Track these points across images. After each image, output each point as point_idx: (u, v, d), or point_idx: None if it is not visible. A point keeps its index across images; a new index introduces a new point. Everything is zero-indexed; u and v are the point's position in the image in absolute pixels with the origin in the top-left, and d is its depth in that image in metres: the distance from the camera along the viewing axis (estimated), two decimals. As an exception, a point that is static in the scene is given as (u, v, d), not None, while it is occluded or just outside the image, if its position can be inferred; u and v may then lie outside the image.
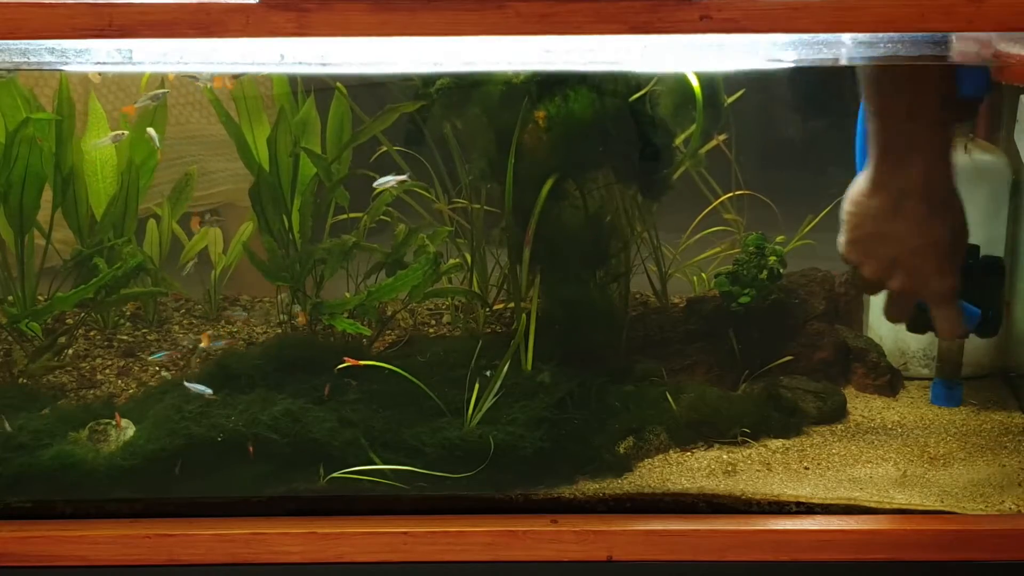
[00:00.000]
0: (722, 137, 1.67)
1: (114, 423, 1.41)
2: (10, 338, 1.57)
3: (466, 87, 1.49)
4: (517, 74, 1.45)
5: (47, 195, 1.59)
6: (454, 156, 1.60)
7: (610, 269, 1.59)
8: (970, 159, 1.59)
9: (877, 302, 1.68)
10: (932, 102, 1.30)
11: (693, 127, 1.58)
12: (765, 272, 1.59)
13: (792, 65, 1.23)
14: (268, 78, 1.60)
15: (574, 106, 1.44)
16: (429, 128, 1.57)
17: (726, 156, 1.70)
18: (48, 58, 1.22)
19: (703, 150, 1.64)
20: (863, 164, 1.37)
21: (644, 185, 1.58)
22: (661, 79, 1.51)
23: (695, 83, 1.51)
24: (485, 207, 1.59)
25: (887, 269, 1.35)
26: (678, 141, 1.61)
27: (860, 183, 1.36)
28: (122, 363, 1.62)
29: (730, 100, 1.62)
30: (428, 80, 1.50)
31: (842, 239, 1.38)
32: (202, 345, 1.63)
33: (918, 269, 1.35)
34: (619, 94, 1.47)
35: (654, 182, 1.57)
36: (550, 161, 1.47)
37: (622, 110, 1.48)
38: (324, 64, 1.29)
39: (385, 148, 1.62)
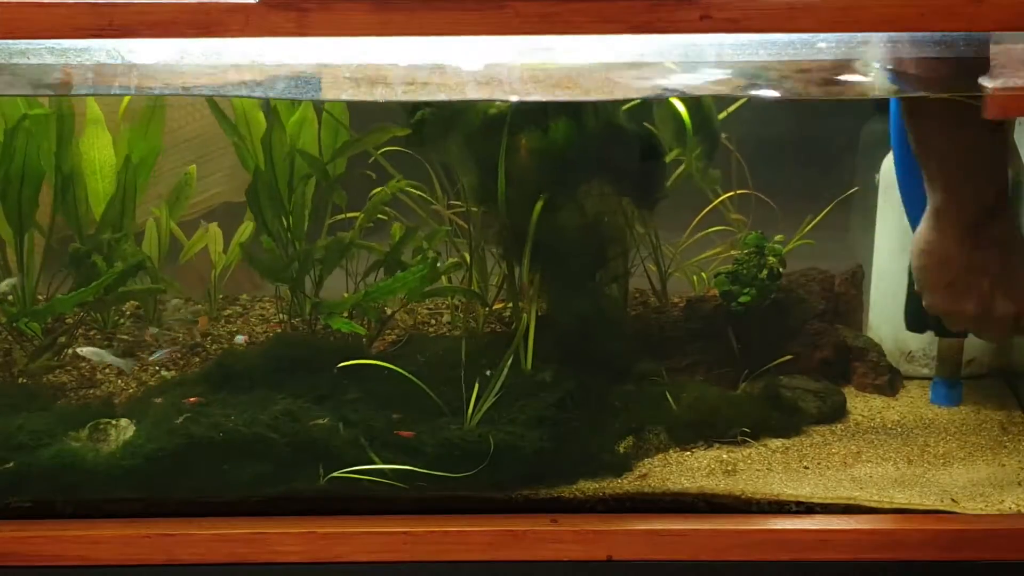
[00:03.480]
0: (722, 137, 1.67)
1: (114, 423, 1.41)
2: (10, 337, 1.57)
3: (446, 118, 1.48)
4: (496, 104, 1.45)
5: (48, 194, 1.59)
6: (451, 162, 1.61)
7: (608, 272, 1.58)
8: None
9: (877, 302, 1.68)
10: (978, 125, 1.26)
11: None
12: (765, 271, 1.59)
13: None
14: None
15: (555, 135, 1.44)
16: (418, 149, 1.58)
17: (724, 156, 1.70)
18: (48, 59, 1.22)
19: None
20: (912, 208, 1.36)
21: (638, 195, 1.58)
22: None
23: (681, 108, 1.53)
24: (482, 209, 1.59)
25: (985, 301, 1.34)
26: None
27: (924, 229, 1.35)
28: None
29: (728, 111, 1.63)
30: (410, 109, 1.50)
31: (926, 296, 1.38)
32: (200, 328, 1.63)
33: (1015, 287, 1.34)
34: (599, 120, 1.47)
35: (648, 192, 1.57)
36: (537, 183, 1.48)
37: (604, 133, 1.48)
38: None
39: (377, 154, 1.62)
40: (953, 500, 1.35)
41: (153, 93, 1.52)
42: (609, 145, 1.49)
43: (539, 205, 1.46)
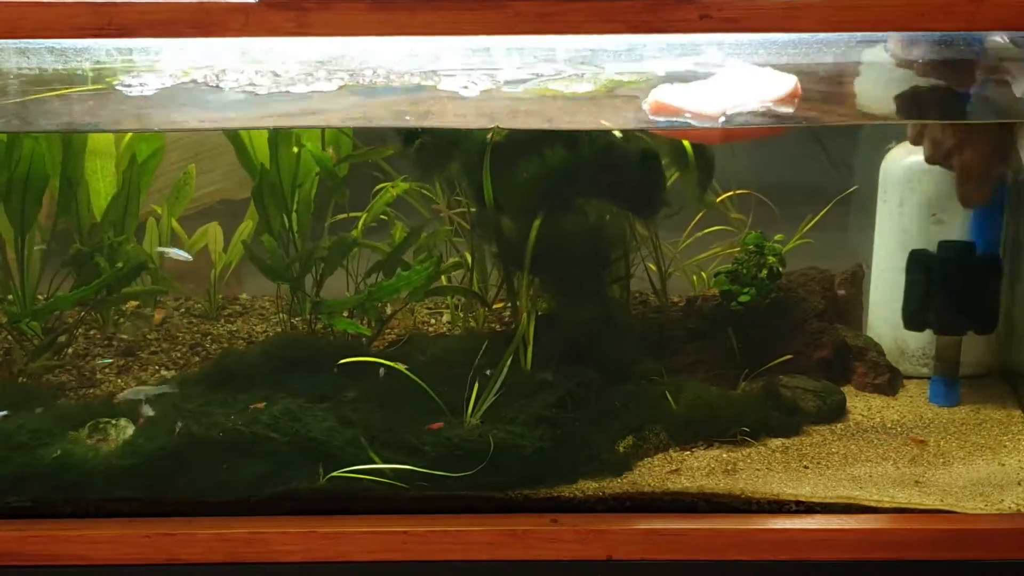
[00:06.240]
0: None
1: (113, 422, 1.41)
2: (10, 337, 1.57)
3: (444, 146, 1.49)
4: (492, 131, 1.46)
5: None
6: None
7: (608, 276, 1.59)
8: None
9: (877, 301, 1.68)
10: None
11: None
12: (765, 271, 1.59)
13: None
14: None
15: (551, 160, 1.45)
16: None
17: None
18: (48, 58, 1.22)
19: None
20: None
21: (637, 207, 1.58)
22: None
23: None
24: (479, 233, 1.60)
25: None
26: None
27: None
28: (122, 362, 1.62)
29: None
30: (408, 136, 1.50)
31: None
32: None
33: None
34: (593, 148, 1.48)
35: (647, 203, 1.57)
36: (537, 203, 1.49)
37: (598, 155, 1.48)
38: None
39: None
40: (943, 493, 1.36)
41: (168, 130, 1.54)
42: (610, 159, 1.49)
43: (537, 222, 1.47)
